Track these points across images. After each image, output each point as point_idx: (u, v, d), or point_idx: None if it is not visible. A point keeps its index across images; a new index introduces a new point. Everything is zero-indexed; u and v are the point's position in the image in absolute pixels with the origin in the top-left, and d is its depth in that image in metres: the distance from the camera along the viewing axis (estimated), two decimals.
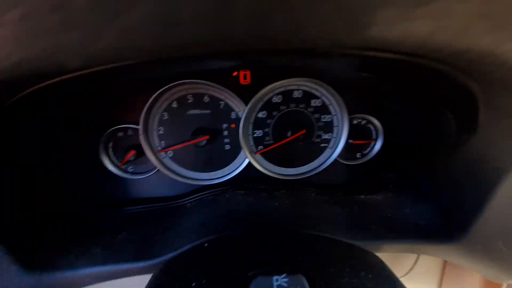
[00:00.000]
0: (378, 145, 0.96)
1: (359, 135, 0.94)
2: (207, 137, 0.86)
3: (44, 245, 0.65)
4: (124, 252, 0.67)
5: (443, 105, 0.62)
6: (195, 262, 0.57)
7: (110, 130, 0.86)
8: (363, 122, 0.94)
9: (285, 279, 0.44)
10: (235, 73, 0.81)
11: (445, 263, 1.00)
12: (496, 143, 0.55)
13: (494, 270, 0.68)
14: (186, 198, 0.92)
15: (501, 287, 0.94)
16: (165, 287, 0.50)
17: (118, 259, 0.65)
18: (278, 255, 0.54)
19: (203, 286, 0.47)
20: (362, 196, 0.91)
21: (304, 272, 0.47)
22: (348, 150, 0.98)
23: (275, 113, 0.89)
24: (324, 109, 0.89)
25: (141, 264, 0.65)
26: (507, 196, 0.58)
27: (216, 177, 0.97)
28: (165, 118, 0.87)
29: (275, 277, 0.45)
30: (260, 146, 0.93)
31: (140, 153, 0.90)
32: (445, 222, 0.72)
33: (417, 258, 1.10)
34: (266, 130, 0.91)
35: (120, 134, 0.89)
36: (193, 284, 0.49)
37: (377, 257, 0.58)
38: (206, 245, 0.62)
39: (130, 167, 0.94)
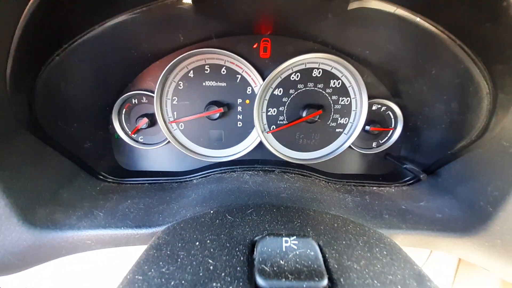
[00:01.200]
0: (396, 135, 0.92)
1: (377, 123, 0.90)
2: (220, 109, 0.84)
3: (48, 203, 0.65)
4: (126, 218, 0.66)
5: (479, 75, 0.57)
6: (199, 225, 0.55)
7: (125, 94, 0.85)
8: (383, 108, 0.90)
9: (295, 241, 0.42)
10: (255, 45, 0.80)
11: (457, 267, 0.94)
12: None
13: None
14: (193, 175, 0.91)
15: None
16: (166, 246, 0.48)
17: (120, 224, 0.64)
18: (288, 223, 0.51)
19: (207, 245, 0.45)
20: (375, 188, 0.87)
21: (315, 238, 0.44)
22: (364, 138, 0.94)
23: (291, 91, 0.86)
24: (343, 91, 0.86)
25: (142, 231, 0.63)
26: None
27: (225, 155, 0.95)
28: (181, 87, 0.86)
29: (284, 238, 0.42)
30: (273, 126, 0.91)
31: (152, 122, 0.90)
32: (463, 215, 0.68)
33: (426, 261, 1.04)
34: (281, 108, 0.89)
35: (134, 100, 0.88)
36: (197, 243, 0.47)
37: (392, 240, 0.55)
38: (212, 212, 0.60)
39: (140, 137, 0.94)
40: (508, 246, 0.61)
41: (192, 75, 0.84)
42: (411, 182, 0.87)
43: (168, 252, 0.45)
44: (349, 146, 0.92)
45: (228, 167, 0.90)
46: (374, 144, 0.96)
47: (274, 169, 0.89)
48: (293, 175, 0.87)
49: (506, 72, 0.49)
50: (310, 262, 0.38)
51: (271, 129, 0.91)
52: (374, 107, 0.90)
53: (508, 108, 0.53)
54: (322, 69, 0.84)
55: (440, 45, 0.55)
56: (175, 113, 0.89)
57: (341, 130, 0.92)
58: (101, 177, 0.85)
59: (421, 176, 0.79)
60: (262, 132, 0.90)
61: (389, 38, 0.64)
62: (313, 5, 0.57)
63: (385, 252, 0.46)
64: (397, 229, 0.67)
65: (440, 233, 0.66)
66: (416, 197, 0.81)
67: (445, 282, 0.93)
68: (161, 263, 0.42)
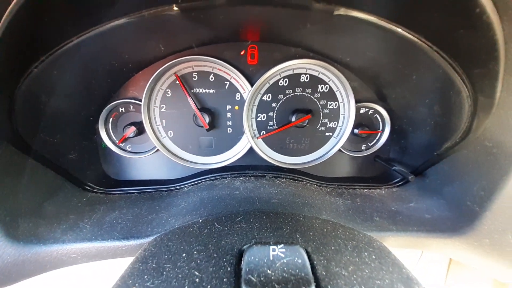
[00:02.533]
0: (384, 137, 0.94)
1: (365, 126, 0.91)
2: (206, 126, 0.84)
3: (31, 216, 0.63)
4: (113, 230, 0.65)
5: (458, 79, 0.59)
6: (187, 236, 0.53)
7: (112, 103, 0.84)
8: (370, 111, 0.91)
9: (283, 250, 0.41)
10: (242, 52, 0.80)
11: (448, 267, 0.95)
12: (511, 125, 0.52)
13: (502, 267, 0.64)
14: (183, 183, 0.90)
15: (507, 286, 0.89)
16: (152, 258, 0.47)
17: (107, 236, 0.62)
18: (277, 230, 0.51)
19: (194, 256, 0.44)
20: (365, 190, 0.88)
21: (303, 245, 0.44)
22: (353, 141, 0.95)
23: (280, 96, 0.87)
24: (331, 95, 0.87)
25: (130, 242, 0.62)
26: None
27: (215, 161, 0.95)
28: (169, 95, 0.85)
29: (272, 247, 0.42)
30: (263, 131, 0.91)
31: (140, 131, 0.88)
32: (452, 215, 0.69)
33: (418, 261, 1.05)
34: (270, 114, 0.89)
35: (121, 109, 0.87)
36: (183, 255, 0.46)
37: (382, 243, 0.55)
38: (200, 221, 0.60)
39: (128, 145, 0.92)
40: (496, 245, 0.62)
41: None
42: (400, 183, 0.88)
43: (154, 265, 0.44)
44: (339, 150, 0.93)
45: (219, 174, 0.89)
46: (363, 147, 0.97)
47: (265, 174, 0.88)
48: (284, 180, 0.87)
49: (484, 76, 0.51)
50: (297, 270, 0.38)
51: (261, 134, 0.91)
52: (362, 111, 0.91)
53: (489, 110, 0.55)
54: (310, 75, 0.84)
55: (418, 51, 0.56)
56: (163, 121, 0.88)
57: (330, 133, 0.92)
58: (88, 188, 0.83)
59: (409, 177, 0.80)
60: (252, 137, 0.90)
61: (369, 44, 0.66)
62: (296, 14, 0.57)
63: (373, 256, 0.46)
64: (388, 231, 0.67)
65: (430, 233, 0.67)
66: (406, 198, 0.81)
67: (437, 282, 0.94)
68: (146, 276, 0.41)
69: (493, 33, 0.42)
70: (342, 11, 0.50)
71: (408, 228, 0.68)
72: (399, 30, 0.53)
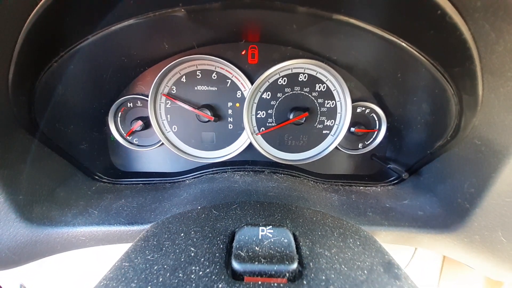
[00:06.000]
0: (380, 136, 0.96)
1: (362, 124, 0.94)
2: (211, 118, 0.89)
3: (44, 201, 0.68)
4: (119, 216, 0.69)
5: (442, 78, 0.61)
6: (186, 219, 0.58)
7: (121, 98, 0.89)
8: (367, 111, 0.94)
9: (271, 230, 0.45)
10: (243, 52, 0.84)
11: (442, 265, 0.95)
12: (497, 123, 0.54)
13: (493, 265, 0.65)
14: (186, 175, 0.94)
15: (501, 285, 0.89)
16: (153, 237, 0.51)
17: (113, 221, 0.67)
18: (269, 216, 0.54)
19: (191, 236, 0.48)
20: (361, 187, 0.90)
21: (291, 229, 0.47)
22: (350, 139, 0.98)
23: (279, 94, 0.90)
24: (328, 94, 0.90)
25: (134, 228, 0.67)
26: (508, 183, 0.56)
27: (217, 156, 0.99)
28: (174, 92, 0.90)
29: (261, 227, 0.45)
30: (262, 128, 0.95)
31: (146, 125, 0.94)
32: (443, 212, 0.71)
33: (411, 259, 1.05)
34: (269, 111, 0.93)
35: (129, 104, 0.93)
36: (182, 234, 0.50)
37: (369, 233, 0.57)
38: (199, 207, 0.64)
39: (135, 139, 0.98)
40: (487, 242, 0.63)
41: (184, 80, 0.89)
42: (396, 181, 0.90)
43: (155, 243, 0.48)
44: (336, 147, 0.95)
45: (220, 168, 0.93)
46: (360, 145, 0.99)
47: (263, 169, 0.92)
48: (282, 175, 0.90)
49: (464, 74, 0.53)
50: (283, 248, 0.41)
51: (261, 131, 0.95)
52: (358, 110, 0.94)
53: (474, 108, 0.57)
54: (308, 74, 0.88)
55: (400, 51, 0.59)
56: (168, 116, 0.93)
57: (327, 131, 0.95)
58: (97, 177, 0.88)
59: (403, 175, 0.82)
60: (252, 134, 0.94)
61: (353, 44, 0.69)
62: (286, 17, 0.61)
63: (358, 243, 0.49)
64: (380, 226, 0.69)
65: (421, 229, 0.68)
66: (400, 196, 0.83)
67: (431, 281, 0.94)
68: (147, 251, 0.45)
69: (460, 33, 0.44)
70: (333, 16, 0.53)
71: (400, 224, 0.70)
72: (379, 31, 0.56)
